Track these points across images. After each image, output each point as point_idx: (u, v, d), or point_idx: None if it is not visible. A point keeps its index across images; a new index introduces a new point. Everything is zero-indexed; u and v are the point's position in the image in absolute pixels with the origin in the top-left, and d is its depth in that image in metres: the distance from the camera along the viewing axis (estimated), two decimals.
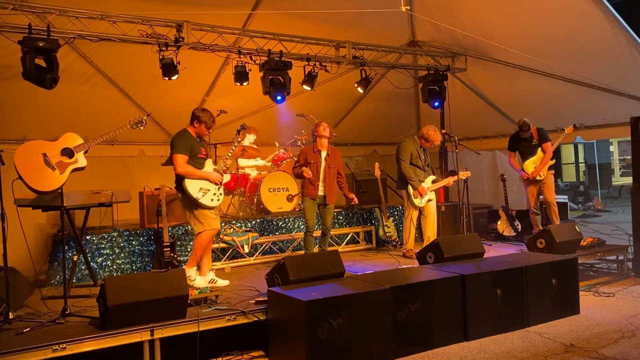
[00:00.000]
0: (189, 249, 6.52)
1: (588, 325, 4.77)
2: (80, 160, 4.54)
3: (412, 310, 4.27)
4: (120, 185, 6.86)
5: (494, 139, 9.38)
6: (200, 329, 4.04)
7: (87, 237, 5.92)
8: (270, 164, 8.27)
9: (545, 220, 7.30)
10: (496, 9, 6.96)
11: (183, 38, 6.19)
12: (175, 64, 6.25)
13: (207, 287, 4.84)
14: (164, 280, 4.10)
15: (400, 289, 4.30)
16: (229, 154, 5.59)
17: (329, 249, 6.66)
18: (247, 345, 4.42)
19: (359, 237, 7.80)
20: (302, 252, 7.09)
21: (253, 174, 8.03)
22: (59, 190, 4.40)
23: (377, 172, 7.77)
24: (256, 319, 4.31)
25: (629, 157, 17.38)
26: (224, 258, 6.54)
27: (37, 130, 6.95)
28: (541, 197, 7.33)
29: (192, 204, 5.11)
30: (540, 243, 6.10)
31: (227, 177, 5.66)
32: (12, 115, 6.96)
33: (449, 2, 7.24)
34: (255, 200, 7.61)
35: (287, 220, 7.34)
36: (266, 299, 4.38)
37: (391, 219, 7.80)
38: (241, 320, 4.26)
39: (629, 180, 16.94)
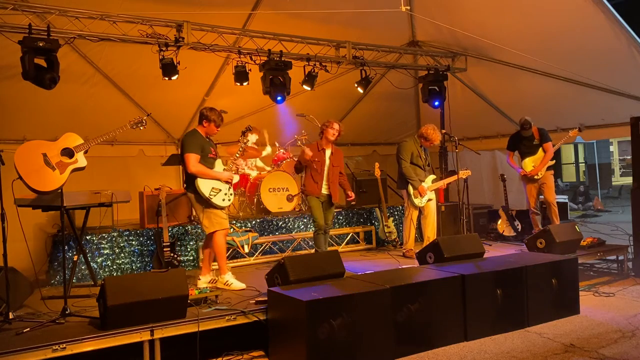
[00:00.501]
0: (189, 249, 6.52)
1: (588, 325, 4.77)
2: (80, 160, 4.54)
3: (412, 310, 4.26)
4: (120, 185, 6.87)
5: (494, 139, 9.38)
6: (200, 329, 4.04)
7: (87, 237, 5.92)
8: (268, 149, 8.26)
9: (546, 220, 7.30)
10: (496, 9, 6.96)
11: (183, 38, 6.19)
12: (175, 64, 6.25)
13: (207, 287, 4.84)
14: (164, 280, 4.10)
15: (400, 289, 4.30)
16: (237, 154, 5.59)
17: (329, 248, 6.66)
18: (247, 345, 4.42)
19: (359, 237, 7.80)
20: (302, 252, 7.12)
21: (253, 174, 8.03)
22: (59, 190, 4.40)
23: (377, 172, 7.77)
24: (256, 319, 4.31)
25: (629, 157, 17.39)
26: None
27: (37, 130, 6.95)
28: (541, 197, 7.33)
29: (203, 204, 5.10)
30: (540, 243, 6.10)
31: (236, 178, 5.65)
32: (12, 115, 6.95)
33: (449, 2, 7.24)
34: (255, 200, 7.61)
35: (287, 220, 7.34)
36: (266, 299, 4.38)
37: (391, 219, 7.80)
38: (241, 320, 4.26)
39: (629, 180, 16.94)
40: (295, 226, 7.40)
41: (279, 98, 6.89)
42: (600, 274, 6.80)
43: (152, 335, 3.88)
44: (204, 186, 5.06)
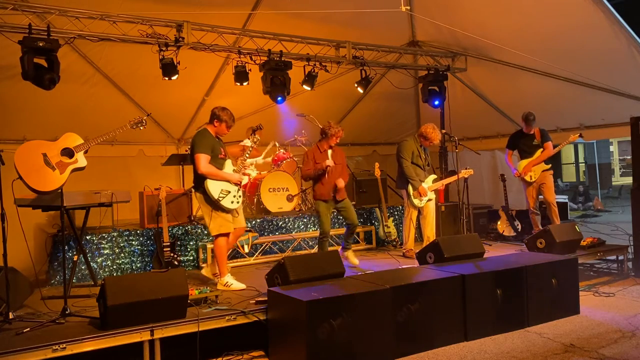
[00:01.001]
0: (189, 249, 6.52)
1: (588, 325, 4.77)
2: (80, 160, 4.54)
3: (412, 310, 4.26)
4: (120, 185, 6.87)
5: (494, 139, 9.39)
6: (200, 329, 4.04)
7: (87, 237, 5.92)
8: (269, 158, 8.26)
9: (546, 220, 7.30)
10: (496, 9, 6.97)
11: (183, 38, 6.19)
12: (175, 64, 6.26)
13: (207, 287, 4.84)
14: (164, 280, 4.10)
15: (400, 289, 4.30)
16: (247, 154, 5.57)
17: (329, 249, 6.65)
18: (247, 345, 4.42)
19: (359, 237, 7.79)
20: (302, 252, 7.11)
21: (253, 173, 8.02)
22: (59, 190, 4.40)
23: (377, 172, 7.76)
24: (256, 319, 4.31)
25: (629, 157, 17.37)
26: None
27: (37, 130, 6.95)
28: (541, 197, 7.33)
29: (212, 205, 5.07)
30: (540, 243, 6.10)
31: (245, 179, 5.61)
32: (12, 115, 6.96)
33: (449, 2, 7.24)
34: (255, 200, 7.61)
35: (287, 220, 7.34)
36: (266, 299, 4.38)
37: (391, 219, 7.80)
38: (241, 320, 4.26)
39: (629, 180, 16.94)
40: (295, 226, 7.40)
41: (279, 98, 6.89)
42: (600, 274, 6.80)
43: (152, 335, 3.88)
44: (214, 188, 5.02)
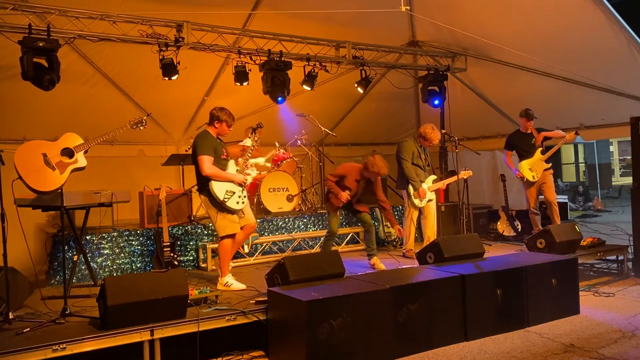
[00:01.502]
0: (189, 249, 6.52)
1: (588, 325, 4.77)
2: (80, 160, 4.54)
3: (412, 310, 4.26)
4: (120, 185, 6.86)
5: (494, 139, 9.39)
6: (200, 329, 4.03)
7: (87, 237, 5.92)
8: (269, 164, 8.26)
9: (545, 220, 7.30)
10: (496, 9, 6.97)
11: (183, 38, 6.19)
12: (175, 64, 6.26)
13: (207, 287, 4.84)
14: (164, 280, 4.10)
15: (400, 289, 4.30)
16: (249, 154, 5.57)
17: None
18: (247, 345, 4.42)
19: (359, 237, 7.79)
20: (302, 252, 7.11)
21: (253, 173, 8.02)
22: (59, 190, 4.40)
23: None
24: (256, 319, 4.30)
25: (629, 157, 17.39)
26: None
27: (37, 130, 6.95)
28: (541, 197, 7.32)
29: (217, 207, 5.06)
30: (540, 243, 6.10)
31: (249, 179, 5.61)
32: (12, 115, 6.96)
33: (449, 2, 7.24)
34: (255, 200, 7.61)
35: (287, 220, 7.34)
36: (266, 299, 4.38)
37: None
38: (241, 320, 4.26)
39: (629, 180, 16.94)
40: (295, 226, 7.40)
41: (279, 98, 6.89)
42: (600, 274, 6.80)
43: (152, 335, 3.88)
44: (219, 189, 5.01)
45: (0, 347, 3.51)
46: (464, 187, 6.90)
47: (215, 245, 6.38)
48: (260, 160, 8.31)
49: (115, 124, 4.92)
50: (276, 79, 6.77)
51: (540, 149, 7.17)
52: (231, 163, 5.26)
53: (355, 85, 7.74)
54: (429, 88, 8.12)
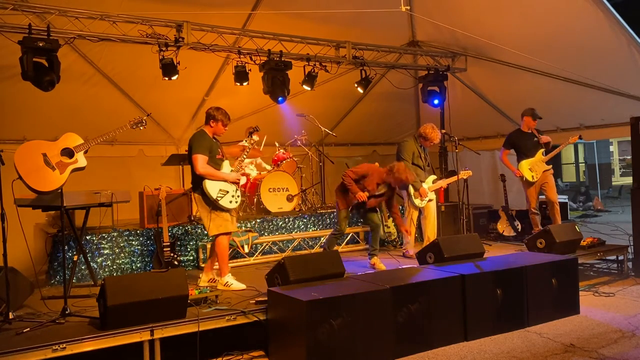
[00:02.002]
0: (189, 249, 6.52)
1: (588, 325, 4.77)
2: (80, 160, 4.53)
3: (412, 310, 4.26)
4: (120, 185, 6.86)
5: (494, 139, 9.39)
6: (200, 329, 4.03)
7: (87, 237, 5.91)
8: (269, 167, 8.27)
9: (546, 220, 7.29)
10: (496, 9, 6.97)
11: (183, 38, 6.20)
12: (175, 64, 6.26)
13: (207, 287, 4.84)
14: (164, 280, 4.10)
15: (400, 289, 4.30)
16: (244, 156, 5.57)
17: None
18: (247, 345, 4.42)
19: (359, 237, 7.79)
20: (302, 252, 7.11)
21: (253, 173, 8.03)
22: (59, 190, 4.40)
23: None
24: (256, 319, 4.30)
25: (629, 157, 17.39)
26: None
27: (37, 130, 6.95)
28: (541, 197, 7.32)
29: (210, 205, 5.07)
30: (540, 243, 6.10)
31: (243, 179, 5.61)
32: (12, 115, 6.96)
33: (449, 2, 7.25)
34: (255, 200, 7.61)
35: (287, 220, 7.34)
36: (266, 299, 4.38)
37: (391, 219, 7.79)
38: (241, 320, 4.26)
39: (629, 180, 16.94)
40: (295, 226, 7.40)
41: (279, 98, 6.90)
42: (600, 274, 6.80)
43: (152, 335, 3.88)
44: (212, 188, 5.03)
45: (0, 347, 3.51)
46: (464, 187, 6.90)
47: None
48: (258, 160, 8.33)
49: (115, 124, 4.92)
50: (276, 79, 6.77)
51: (542, 149, 7.15)
52: (226, 163, 5.28)
53: (355, 85, 7.74)
54: (429, 88, 8.13)
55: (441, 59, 8.44)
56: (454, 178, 6.97)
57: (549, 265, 5.08)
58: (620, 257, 6.76)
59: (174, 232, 6.38)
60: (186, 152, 6.99)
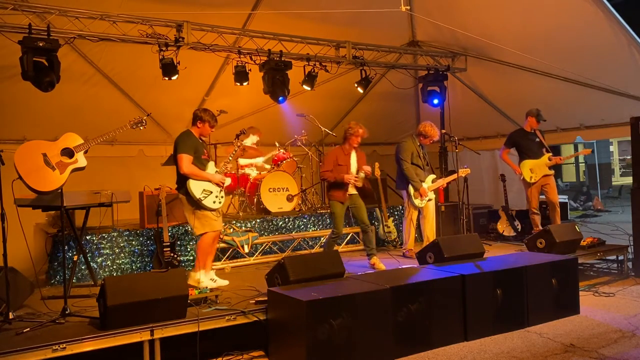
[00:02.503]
0: (189, 249, 6.52)
1: (588, 325, 4.77)
2: (80, 160, 4.54)
3: (412, 310, 4.26)
4: (120, 185, 6.86)
5: (494, 139, 9.39)
6: (200, 329, 4.04)
7: (87, 237, 5.91)
8: (269, 166, 8.27)
9: (546, 220, 7.29)
10: (496, 9, 6.97)
11: (183, 38, 6.20)
12: (175, 64, 6.26)
13: (207, 287, 4.84)
14: (164, 280, 4.10)
15: (400, 289, 4.30)
16: (230, 158, 5.57)
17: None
18: (247, 345, 4.42)
19: (359, 237, 7.78)
20: (302, 252, 7.10)
21: (253, 174, 8.03)
22: (59, 190, 4.40)
23: (377, 172, 7.74)
24: (256, 319, 4.30)
25: (629, 157, 17.37)
26: (224, 258, 6.54)
27: (37, 130, 6.95)
28: (542, 196, 7.32)
29: (194, 205, 5.10)
30: (540, 243, 6.10)
31: (228, 181, 5.63)
32: (12, 115, 6.96)
33: (449, 2, 7.25)
34: (255, 200, 7.61)
35: (287, 220, 7.34)
36: (266, 299, 4.38)
37: (391, 219, 7.79)
38: (241, 320, 4.26)
39: (629, 180, 16.94)
40: (295, 226, 7.40)
41: (280, 98, 6.90)
42: (600, 274, 6.80)
43: (152, 335, 3.88)
44: (196, 188, 5.05)
45: (0, 347, 3.51)
46: (464, 187, 6.90)
47: (216, 245, 6.37)
48: (259, 160, 8.32)
49: (115, 124, 4.92)
50: (276, 79, 6.78)
51: (549, 154, 7.12)
52: (211, 164, 5.29)
53: (355, 85, 7.74)
54: (429, 88, 8.12)
55: (441, 59, 8.44)
56: (454, 176, 6.98)
57: (549, 265, 5.08)
58: (620, 257, 6.76)
59: (174, 232, 6.38)
60: None
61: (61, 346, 3.61)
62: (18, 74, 5.38)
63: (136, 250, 6.24)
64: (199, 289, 4.65)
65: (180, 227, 6.50)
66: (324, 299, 3.89)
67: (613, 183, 21.31)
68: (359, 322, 3.98)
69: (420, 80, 8.31)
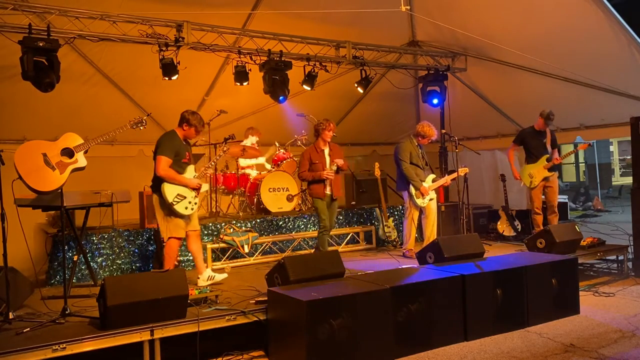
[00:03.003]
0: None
1: (588, 325, 4.77)
2: (80, 160, 4.54)
3: (412, 310, 4.26)
4: (120, 185, 6.86)
5: (494, 139, 9.39)
6: (200, 329, 4.03)
7: (87, 237, 5.91)
8: (269, 165, 8.27)
9: (545, 221, 7.29)
10: (496, 8, 6.97)
11: (183, 38, 6.20)
12: (175, 64, 6.26)
13: (207, 287, 4.84)
14: (164, 280, 4.10)
15: (400, 289, 4.30)
16: (213, 163, 5.53)
17: (329, 248, 6.66)
18: (247, 345, 4.42)
19: (359, 237, 7.79)
20: (302, 252, 7.10)
21: (253, 174, 8.03)
22: (59, 190, 4.40)
23: (377, 172, 7.76)
24: (256, 319, 4.30)
25: (629, 157, 17.38)
26: (224, 258, 6.54)
27: (37, 130, 6.95)
28: (542, 197, 7.32)
29: (165, 208, 5.06)
30: (540, 243, 6.10)
31: (205, 187, 5.57)
32: (12, 115, 6.96)
33: (449, 2, 7.25)
34: (255, 200, 7.61)
35: (287, 220, 7.34)
36: (266, 299, 4.38)
37: (391, 219, 7.80)
38: (241, 320, 4.26)
39: (629, 180, 16.94)
40: (295, 226, 7.40)
41: (280, 97, 6.90)
42: (600, 274, 6.80)
43: (152, 335, 3.88)
44: (169, 192, 5.00)
45: (0, 347, 3.51)
46: (464, 186, 6.90)
47: (216, 245, 6.39)
48: (261, 160, 8.33)
49: (115, 124, 4.92)
50: (276, 79, 6.78)
51: (547, 155, 7.12)
52: (190, 167, 5.22)
53: (355, 85, 7.74)
54: (429, 88, 8.12)
55: (441, 58, 8.44)
56: (454, 175, 6.98)
57: (549, 265, 5.08)
58: (620, 257, 6.76)
59: None
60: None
61: (61, 346, 3.60)
62: (18, 74, 5.38)
63: (136, 250, 6.24)
64: (199, 288, 4.64)
65: None
66: (324, 299, 3.89)
67: (613, 183, 21.30)
68: (359, 322, 3.97)
69: (420, 80, 8.31)
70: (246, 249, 6.54)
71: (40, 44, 5.28)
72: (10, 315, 4.07)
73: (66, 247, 5.68)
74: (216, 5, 6.43)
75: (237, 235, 6.48)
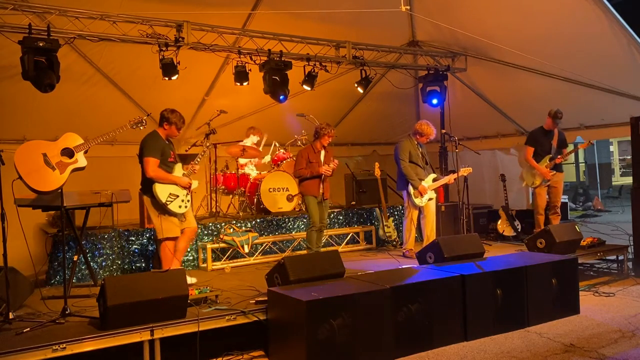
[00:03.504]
0: (189, 249, 6.51)
1: (588, 325, 4.77)
2: (80, 160, 4.54)
3: (412, 310, 4.26)
4: (120, 185, 6.85)
5: (494, 139, 9.39)
6: (200, 329, 4.03)
7: (87, 237, 5.91)
8: (268, 157, 8.27)
9: (547, 221, 7.29)
10: (496, 9, 6.97)
11: (183, 38, 6.20)
12: (175, 64, 6.26)
13: (207, 287, 4.84)
14: (164, 280, 4.10)
15: (400, 289, 4.30)
16: (198, 160, 5.55)
17: (329, 248, 6.66)
18: (247, 345, 4.42)
19: (359, 237, 7.79)
20: (302, 252, 7.10)
21: (253, 174, 8.03)
22: (59, 190, 4.40)
23: (377, 172, 7.76)
24: (256, 319, 4.30)
25: (629, 157, 17.39)
26: (224, 258, 6.54)
27: (37, 130, 6.95)
28: (546, 197, 7.33)
29: (159, 209, 5.07)
30: (540, 243, 6.10)
31: (195, 184, 5.61)
32: (12, 115, 6.96)
33: (449, 2, 7.25)
34: (255, 200, 7.61)
35: (287, 220, 7.34)
36: (266, 299, 4.38)
37: (391, 219, 7.80)
38: (241, 320, 4.26)
39: (629, 180, 16.93)
40: (295, 226, 7.40)
41: (280, 97, 6.90)
42: (600, 274, 6.80)
43: (152, 335, 3.88)
44: (162, 192, 5.02)
45: (0, 347, 3.51)
46: (464, 186, 6.90)
47: (216, 245, 6.39)
48: (267, 159, 8.33)
49: (115, 124, 4.93)
50: (276, 79, 6.78)
51: (549, 155, 7.14)
52: (178, 166, 5.25)
53: (355, 85, 7.74)
54: (429, 88, 8.12)
55: (441, 58, 8.44)
56: (454, 175, 6.98)
57: (549, 265, 5.08)
58: (620, 257, 6.76)
59: None
60: (186, 152, 7.02)
61: (61, 346, 3.60)
62: (18, 74, 5.38)
63: (136, 250, 6.24)
64: (199, 288, 4.64)
65: None
66: (324, 299, 3.89)
67: (613, 183, 21.30)
68: (359, 322, 3.97)
69: (420, 80, 8.31)
70: (246, 249, 6.54)
71: (40, 44, 5.28)
72: (10, 315, 4.07)
73: (66, 247, 5.68)
74: (216, 5, 6.43)
75: (237, 235, 6.48)
